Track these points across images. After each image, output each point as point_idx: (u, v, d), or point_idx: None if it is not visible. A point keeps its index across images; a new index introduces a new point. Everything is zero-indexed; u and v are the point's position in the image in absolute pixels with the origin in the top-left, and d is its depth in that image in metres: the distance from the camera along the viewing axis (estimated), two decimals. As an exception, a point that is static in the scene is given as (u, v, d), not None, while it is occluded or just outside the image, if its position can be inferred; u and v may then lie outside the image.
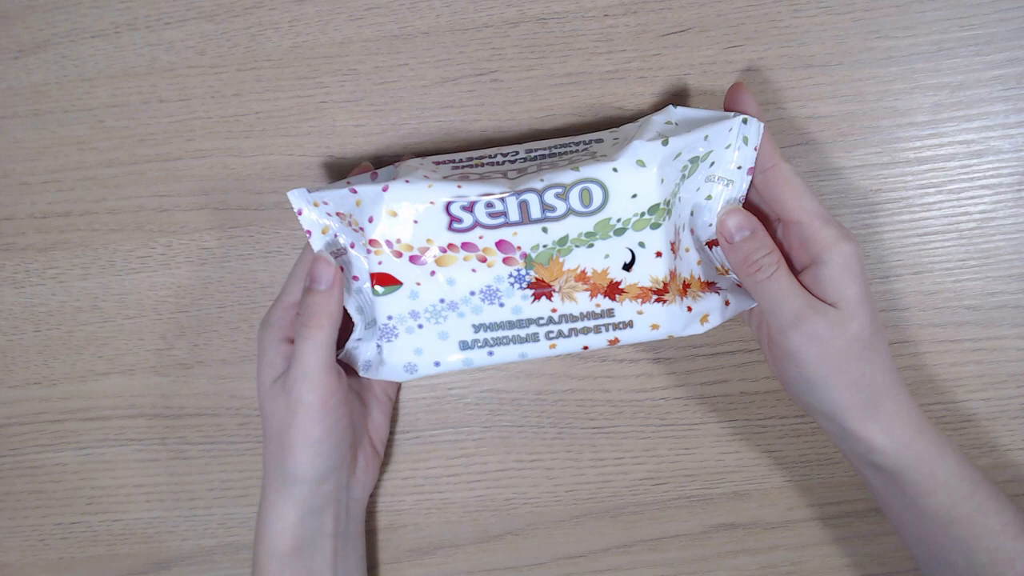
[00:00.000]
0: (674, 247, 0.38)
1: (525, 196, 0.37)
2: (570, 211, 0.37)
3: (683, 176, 0.38)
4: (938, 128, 0.42)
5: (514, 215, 0.37)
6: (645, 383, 0.45)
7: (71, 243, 0.45)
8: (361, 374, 0.40)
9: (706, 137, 0.37)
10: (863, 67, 0.42)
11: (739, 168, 0.38)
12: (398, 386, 0.45)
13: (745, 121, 0.37)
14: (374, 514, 0.46)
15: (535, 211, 0.37)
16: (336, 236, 0.39)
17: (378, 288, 0.39)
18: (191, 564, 0.47)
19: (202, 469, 0.46)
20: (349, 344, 0.40)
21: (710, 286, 0.40)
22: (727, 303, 0.40)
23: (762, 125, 0.38)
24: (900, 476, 0.37)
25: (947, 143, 0.42)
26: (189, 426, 0.46)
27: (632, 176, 0.37)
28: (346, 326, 0.40)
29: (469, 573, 0.46)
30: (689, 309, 0.39)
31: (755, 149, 0.38)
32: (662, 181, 0.37)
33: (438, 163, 0.40)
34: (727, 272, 0.40)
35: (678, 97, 0.43)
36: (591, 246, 0.38)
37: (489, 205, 0.37)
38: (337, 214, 0.39)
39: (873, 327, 0.36)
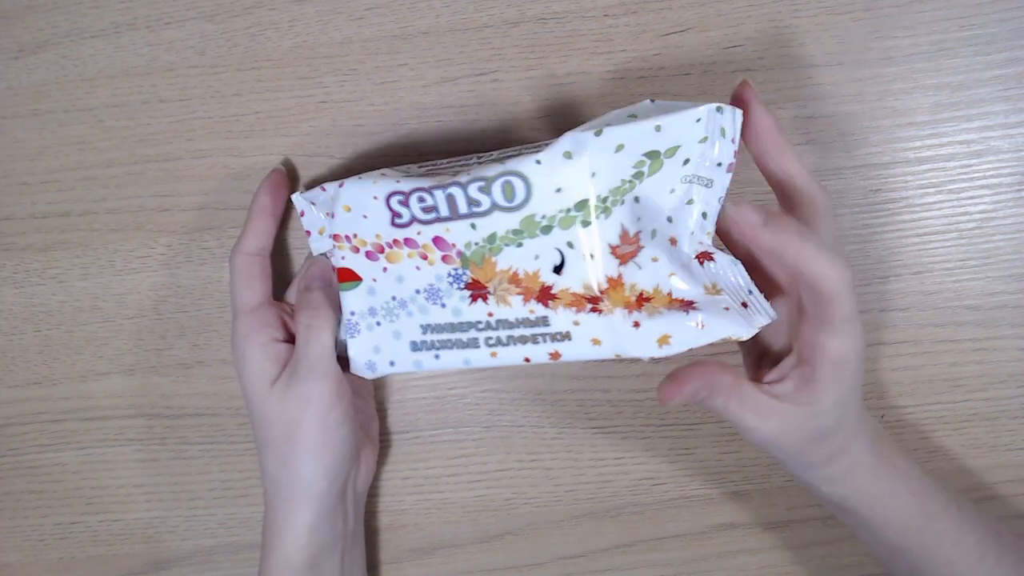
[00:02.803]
0: (617, 251, 0.34)
1: (451, 190, 0.35)
2: (494, 206, 0.35)
3: (638, 173, 0.33)
4: (938, 128, 0.42)
5: (444, 210, 0.35)
6: (645, 383, 0.45)
7: (71, 243, 0.45)
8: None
9: (658, 128, 0.32)
10: (863, 67, 0.42)
11: (719, 165, 0.34)
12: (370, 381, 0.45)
13: (720, 109, 0.32)
14: (374, 514, 0.46)
15: (462, 206, 0.35)
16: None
17: (342, 284, 0.39)
18: (191, 564, 0.47)
19: (202, 469, 0.46)
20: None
21: (684, 304, 0.34)
22: (701, 325, 0.34)
23: (739, 113, 0.33)
24: (850, 512, 0.37)
25: (947, 143, 0.42)
26: (189, 426, 0.46)
27: (557, 169, 0.33)
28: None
29: (469, 573, 0.46)
30: (636, 325, 0.35)
31: (733, 141, 0.33)
32: (593, 175, 0.33)
33: (405, 169, 0.39)
34: (719, 292, 0.34)
35: (678, 97, 0.43)
36: (520, 245, 0.35)
37: (421, 199, 0.36)
38: (326, 214, 0.39)
39: (844, 417, 0.35)
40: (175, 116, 0.44)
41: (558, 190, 0.34)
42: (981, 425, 0.44)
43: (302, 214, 0.40)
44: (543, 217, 0.34)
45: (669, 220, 0.34)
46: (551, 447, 0.45)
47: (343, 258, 0.39)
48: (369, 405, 0.44)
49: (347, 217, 0.38)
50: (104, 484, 0.46)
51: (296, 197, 0.40)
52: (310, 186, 0.43)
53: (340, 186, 0.37)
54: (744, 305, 0.34)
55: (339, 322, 0.40)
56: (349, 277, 0.39)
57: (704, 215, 0.34)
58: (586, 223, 0.34)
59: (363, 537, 0.43)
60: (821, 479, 0.36)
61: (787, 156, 0.35)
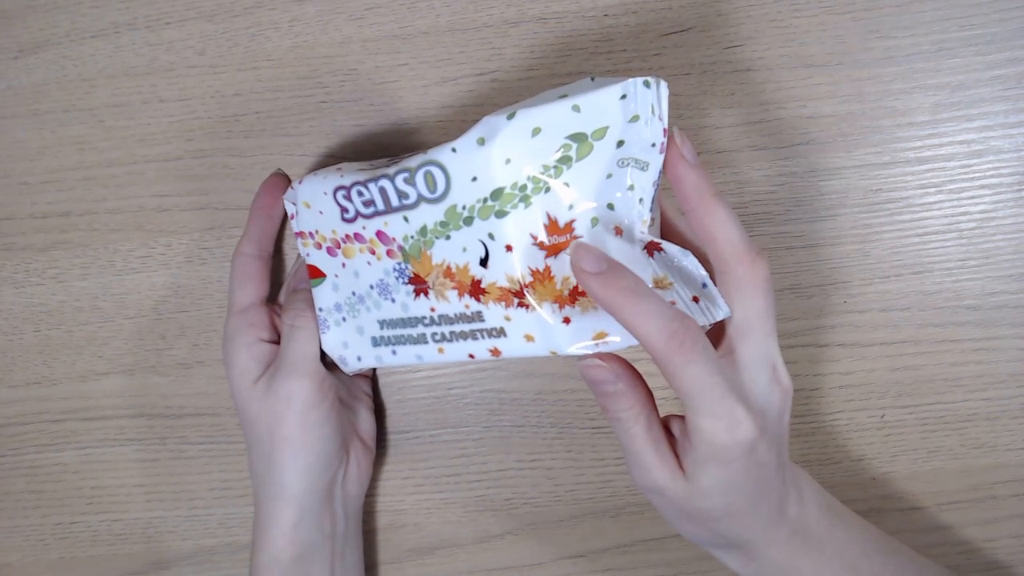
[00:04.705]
0: (540, 243, 0.32)
1: (382, 182, 0.34)
2: (420, 198, 0.33)
3: (564, 158, 0.31)
4: (938, 128, 0.42)
5: (380, 203, 0.35)
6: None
7: (71, 243, 0.45)
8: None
9: (576, 108, 0.30)
10: (863, 67, 0.42)
11: (652, 146, 0.31)
12: (370, 382, 0.45)
13: (647, 84, 0.30)
14: (374, 514, 0.46)
15: (393, 198, 0.34)
16: None
17: (312, 280, 0.39)
18: (191, 564, 0.47)
19: (202, 469, 0.46)
20: None
21: None
22: None
23: (663, 84, 0.30)
24: None
25: (947, 143, 0.42)
26: (189, 426, 0.46)
27: (471, 156, 0.31)
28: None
29: (469, 573, 0.46)
30: (566, 320, 0.33)
31: (661, 119, 0.31)
32: (508, 161, 0.31)
33: (371, 163, 0.39)
34: (669, 285, 0.32)
35: (678, 97, 0.43)
36: (448, 237, 0.33)
37: (360, 193, 0.35)
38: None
39: (731, 507, 0.32)
40: (175, 116, 0.44)
41: (474, 179, 0.32)
42: (981, 425, 0.44)
43: (292, 217, 0.40)
44: (463, 208, 0.33)
45: (610, 207, 0.32)
46: (551, 447, 0.45)
47: (308, 255, 0.39)
48: (364, 407, 0.44)
49: (307, 213, 0.38)
50: (104, 484, 0.46)
51: (285, 199, 0.41)
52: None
53: (299, 183, 0.38)
54: (695, 300, 0.32)
55: None
56: (315, 274, 0.39)
57: (641, 200, 0.32)
58: (502, 213, 0.32)
59: (359, 539, 0.43)
60: (729, 561, 0.35)
61: (714, 214, 0.31)
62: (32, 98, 0.44)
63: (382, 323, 0.38)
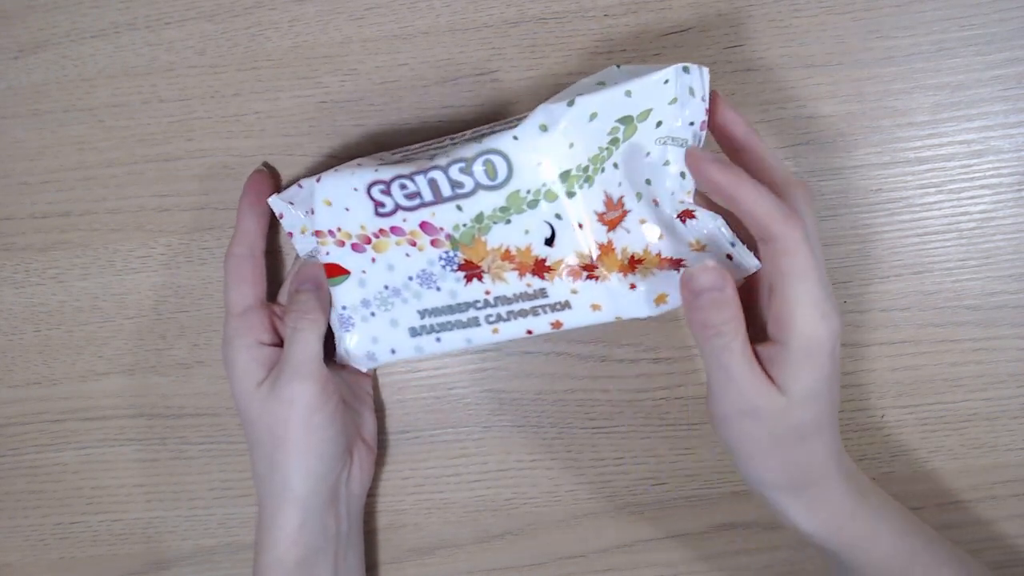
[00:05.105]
0: (604, 218, 0.35)
1: (432, 174, 0.35)
2: (478, 186, 0.35)
3: (614, 140, 0.34)
4: (938, 128, 0.42)
5: (427, 194, 0.36)
6: (645, 383, 0.45)
7: (71, 243, 0.45)
8: (358, 367, 0.41)
9: (628, 93, 0.33)
10: (863, 67, 0.42)
11: (690, 124, 0.34)
12: (372, 382, 0.45)
13: (686, 69, 0.33)
14: (374, 514, 0.46)
15: (445, 189, 0.35)
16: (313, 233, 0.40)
17: (330, 279, 0.39)
18: (191, 564, 0.47)
19: (202, 469, 0.46)
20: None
21: (673, 263, 0.36)
22: None
23: (706, 70, 0.34)
24: (831, 554, 0.36)
25: (947, 143, 0.42)
26: (189, 426, 0.46)
27: (535, 143, 0.34)
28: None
29: (469, 573, 0.46)
30: (632, 287, 0.36)
31: (703, 99, 0.34)
32: (571, 145, 0.34)
33: (380, 157, 0.39)
34: (703, 247, 0.35)
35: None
36: (508, 222, 0.36)
37: (403, 186, 0.36)
38: (307, 212, 0.40)
39: (819, 419, 0.34)
40: (175, 116, 0.44)
41: (539, 164, 0.34)
42: (981, 425, 0.44)
43: (281, 216, 0.40)
44: (528, 192, 0.35)
45: (648, 183, 0.35)
46: (551, 447, 0.45)
47: (327, 253, 0.39)
48: (365, 406, 0.44)
49: (328, 211, 0.38)
50: (104, 484, 0.46)
51: (273, 200, 0.40)
52: (287, 185, 0.43)
53: (317, 181, 0.38)
54: (729, 257, 0.35)
55: (328, 324, 0.40)
56: (336, 272, 0.39)
57: (682, 174, 0.35)
58: (571, 194, 0.35)
59: (361, 539, 0.43)
60: (798, 509, 0.35)
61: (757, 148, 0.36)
62: (32, 98, 0.44)
63: (423, 312, 0.38)
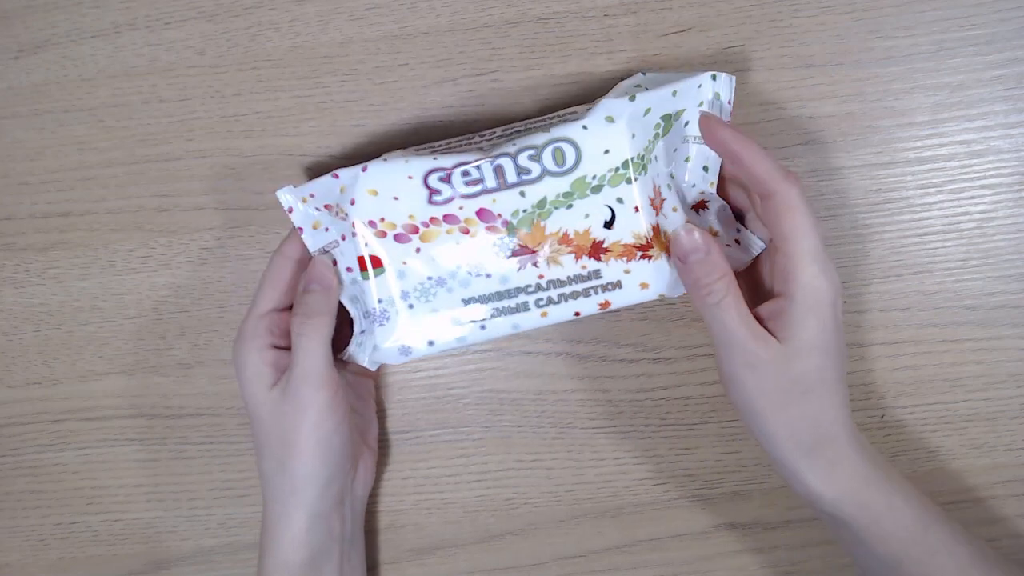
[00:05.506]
0: (653, 203, 0.38)
1: (500, 161, 0.37)
2: (545, 172, 0.37)
3: (656, 134, 0.38)
4: (938, 128, 0.42)
5: (491, 181, 0.38)
6: (645, 383, 0.45)
7: (71, 243, 0.45)
8: (367, 366, 0.40)
9: (674, 93, 0.37)
10: (863, 67, 0.42)
11: None
12: (374, 383, 0.45)
13: (715, 77, 0.37)
14: (374, 514, 0.46)
15: (511, 175, 0.37)
16: (327, 229, 0.39)
17: (364, 272, 0.39)
18: (191, 564, 0.47)
19: (202, 469, 0.46)
20: (353, 341, 0.40)
21: None
22: None
23: (732, 78, 0.38)
24: (844, 524, 0.36)
25: (947, 143, 0.43)
26: (189, 426, 0.46)
27: (602, 132, 0.37)
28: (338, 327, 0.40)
29: (469, 573, 0.46)
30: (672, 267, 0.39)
31: (729, 103, 0.38)
32: (633, 136, 0.37)
33: (419, 149, 0.40)
34: (716, 233, 0.40)
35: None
36: (570, 207, 0.38)
37: (465, 174, 0.37)
38: (325, 207, 0.39)
39: (824, 372, 0.35)
40: (175, 116, 0.44)
41: (606, 151, 0.37)
42: (981, 425, 0.44)
43: (290, 211, 0.40)
44: (594, 177, 0.38)
45: (672, 176, 0.39)
46: (551, 447, 0.45)
47: (366, 244, 0.39)
48: (369, 409, 0.44)
49: (373, 201, 0.38)
50: (104, 484, 0.46)
51: (281, 193, 0.39)
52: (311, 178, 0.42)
53: (363, 170, 0.38)
54: (737, 242, 0.39)
55: (333, 326, 0.39)
56: (373, 264, 0.39)
57: (705, 168, 0.39)
58: (631, 180, 0.38)
59: (362, 540, 0.43)
60: (811, 470, 0.36)
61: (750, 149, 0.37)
62: (32, 98, 0.44)
63: (468, 300, 0.39)
